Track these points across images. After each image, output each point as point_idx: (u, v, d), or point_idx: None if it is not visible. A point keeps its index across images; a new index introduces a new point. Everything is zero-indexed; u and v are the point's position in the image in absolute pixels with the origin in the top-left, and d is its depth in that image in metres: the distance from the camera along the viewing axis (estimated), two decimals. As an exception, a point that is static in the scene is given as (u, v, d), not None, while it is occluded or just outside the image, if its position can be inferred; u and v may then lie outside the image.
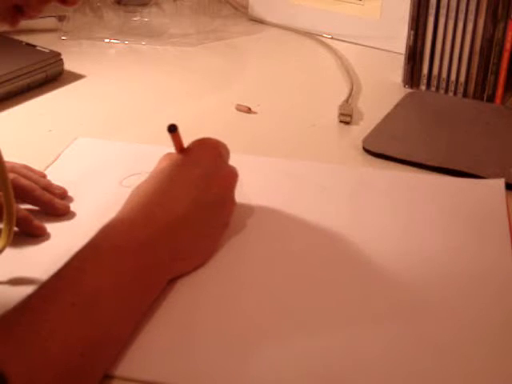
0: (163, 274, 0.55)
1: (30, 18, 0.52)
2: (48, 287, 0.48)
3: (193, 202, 0.57)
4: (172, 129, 0.59)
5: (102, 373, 0.48)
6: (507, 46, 0.86)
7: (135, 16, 1.13)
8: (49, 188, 0.67)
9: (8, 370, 0.41)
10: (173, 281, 0.57)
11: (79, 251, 0.51)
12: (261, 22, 1.17)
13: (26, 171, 0.67)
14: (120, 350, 0.50)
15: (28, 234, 0.63)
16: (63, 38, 1.09)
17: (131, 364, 0.49)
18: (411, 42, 0.92)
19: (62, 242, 0.62)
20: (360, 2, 1.06)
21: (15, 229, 0.61)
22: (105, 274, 0.50)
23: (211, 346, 0.51)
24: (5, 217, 0.55)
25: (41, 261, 0.60)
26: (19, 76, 0.89)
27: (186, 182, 0.58)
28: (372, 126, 0.82)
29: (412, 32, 0.92)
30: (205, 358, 0.50)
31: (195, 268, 0.58)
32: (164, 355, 0.50)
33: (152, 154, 0.76)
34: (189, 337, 0.52)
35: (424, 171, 0.74)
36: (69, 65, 0.96)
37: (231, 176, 0.62)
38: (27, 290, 0.56)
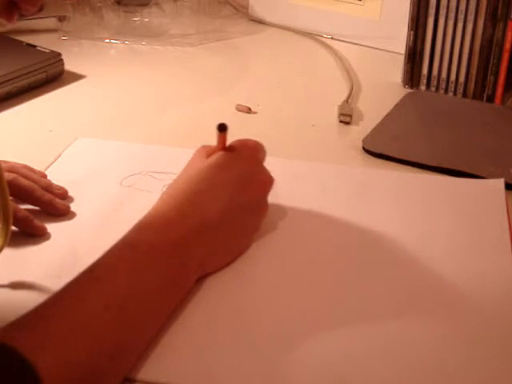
0: (193, 273, 0.55)
1: (27, 12, 0.53)
2: (82, 284, 0.48)
3: (227, 204, 0.57)
4: (222, 128, 0.58)
5: (124, 375, 0.48)
6: (507, 46, 0.86)
7: (135, 16, 1.13)
8: (49, 188, 0.67)
9: (35, 360, 0.41)
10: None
11: (114, 248, 0.51)
12: (261, 22, 1.17)
13: (26, 171, 0.67)
14: (143, 351, 0.49)
15: (28, 234, 0.63)
16: (63, 38, 1.09)
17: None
18: (411, 43, 0.92)
19: (63, 242, 0.62)
20: (360, 3, 1.06)
21: (15, 229, 0.62)
22: (139, 275, 0.50)
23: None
24: (2, 217, 0.55)
25: (41, 261, 0.60)
26: (20, 76, 0.89)
27: (223, 185, 0.58)
28: (372, 126, 0.82)
29: (412, 32, 0.92)
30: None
31: (222, 268, 0.58)
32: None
33: (152, 154, 0.76)
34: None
35: (424, 171, 0.74)
36: (69, 65, 0.96)
37: (267, 182, 0.62)
38: (27, 290, 0.57)
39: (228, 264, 0.59)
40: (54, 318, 0.45)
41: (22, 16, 0.53)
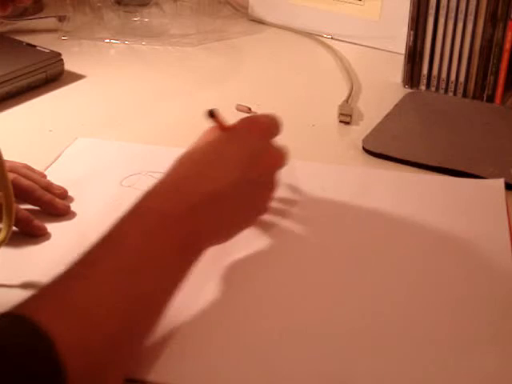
0: (202, 242, 0.55)
1: (21, 3, 0.53)
2: (92, 253, 0.48)
3: (236, 179, 0.57)
4: (211, 114, 0.58)
5: (142, 343, 0.48)
6: (507, 46, 0.86)
7: (135, 16, 1.13)
8: (49, 188, 0.67)
9: (54, 332, 0.41)
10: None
11: (124, 215, 0.51)
12: (261, 22, 1.17)
13: (26, 171, 0.67)
14: (158, 322, 0.49)
15: (28, 234, 0.63)
16: (63, 38, 1.09)
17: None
18: (411, 42, 0.92)
19: (63, 242, 0.62)
20: (360, 2, 1.06)
21: (15, 229, 0.62)
22: (148, 239, 0.50)
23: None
24: (4, 209, 0.55)
25: (41, 261, 0.60)
26: (19, 76, 0.89)
27: (232, 159, 0.58)
28: (372, 126, 0.82)
29: (412, 32, 0.92)
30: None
31: (229, 239, 0.58)
32: (155, 353, 0.50)
33: (152, 154, 0.76)
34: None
35: (424, 171, 0.74)
36: (69, 65, 0.96)
37: (277, 158, 0.62)
38: (27, 290, 0.56)
39: (233, 237, 0.58)
40: (66, 288, 0.45)
41: (15, 7, 0.53)
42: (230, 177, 0.56)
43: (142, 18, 1.13)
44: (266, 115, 0.63)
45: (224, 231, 0.58)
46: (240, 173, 0.57)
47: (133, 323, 0.47)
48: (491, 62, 0.88)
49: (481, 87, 0.90)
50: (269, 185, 0.61)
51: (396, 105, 0.88)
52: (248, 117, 0.62)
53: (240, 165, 0.58)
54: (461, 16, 0.88)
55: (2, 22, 1.10)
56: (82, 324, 0.43)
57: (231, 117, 0.86)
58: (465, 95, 0.91)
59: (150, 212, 0.52)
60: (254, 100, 0.89)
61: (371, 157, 0.77)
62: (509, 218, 0.66)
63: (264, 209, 0.62)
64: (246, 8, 1.18)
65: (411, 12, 0.91)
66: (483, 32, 0.87)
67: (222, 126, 0.60)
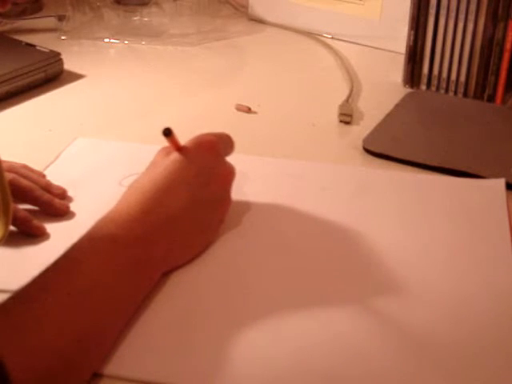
0: (157, 267, 0.56)
1: (19, 1, 0.53)
2: (45, 276, 0.49)
3: (189, 200, 0.58)
4: (167, 132, 0.59)
5: (95, 365, 0.49)
6: (507, 46, 0.86)
7: (135, 16, 1.13)
8: (48, 188, 0.67)
9: (5, 356, 0.41)
10: (166, 277, 0.57)
11: (76, 242, 0.52)
12: (261, 21, 1.17)
13: (25, 171, 0.67)
14: (113, 343, 0.50)
15: (27, 234, 0.62)
16: (63, 37, 1.09)
17: (121, 362, 0.49)
18: (411, 42, 0.92)
19: (62, 242, 0.61)
20: (360, 2, 1.06)
21: (14, 229, 0.62)
22: (100, 265, 0.51)
23: (204, 343, 0.51)
24: (2, 209, 0.54)
25: (40, 261, 0.59)
26: (19, 76, 0.89)
27: (183, 181, 0.59)
28: (372, 126, 0.82)
29: (412, 32, 0.92)
30: (198, 355, 0.50)
31: (188, 261, 0.59)
32: (155, 353, 0.50)
33: (152, 154, 0.75)
34: (181, 334, 0.52)
35: (424, 171, 0.74)
36: (68, 64, 0.96)
37: (227, 174, 0.63)
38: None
39: (193, 258, 0.59)
40: (19, 310, 0.45)
41: (14, 5, 0.53)
42: (180, 201, 0.58)
43: (141, 18, 1.13)
44: (216, 133, 0.64)
45: (179, 254, 0.59)
46: (190, 194, 0.58)
47: (87, 344, 0.47)
48: (492, 62, 0.88)
49: (481, 87, 0.90)
50: (222, 201, 0.62)
51: (396, 105, 0.88)
52: (196, 136, 0.62)
53: (190, 186, 0.59)
54: (461, 16, 0.88)
55: (1, 22, 1.10)
56: (33, 345, 0.44)
57: (231, 116, 0.86)
58: (465, 95, 0.91)
59: (103, 238, 0.53)
60: (254, 100, 0.89)
61: (371, 157, 0.77)
62: (509, 218, 0.66)
63: (219, 223, 0.63)
64: (246, 7, 1.18)
65: (412, 12, 0.91)
66: (484, 31, 0.87)
67: (176, 145, 0.60)
